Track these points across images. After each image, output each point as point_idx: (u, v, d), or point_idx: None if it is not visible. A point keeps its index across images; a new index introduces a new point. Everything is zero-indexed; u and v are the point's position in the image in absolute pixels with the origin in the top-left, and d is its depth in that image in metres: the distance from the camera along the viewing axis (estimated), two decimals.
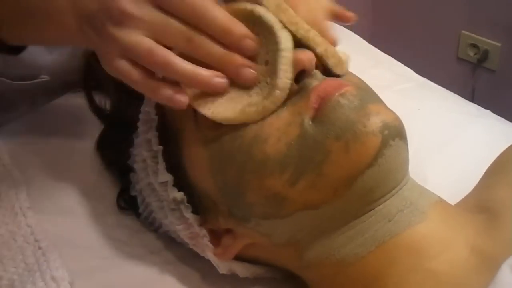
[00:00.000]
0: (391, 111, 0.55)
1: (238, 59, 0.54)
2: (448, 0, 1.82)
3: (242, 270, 0.64)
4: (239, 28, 0.54)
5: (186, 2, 0.52)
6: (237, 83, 0.55)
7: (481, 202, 0.61)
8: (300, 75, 0.55)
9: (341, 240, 0.56)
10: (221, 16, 0.53)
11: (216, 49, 0.53)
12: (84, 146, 0.80)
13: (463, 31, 1.82)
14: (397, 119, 0.54)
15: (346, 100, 0.53)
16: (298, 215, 0.55)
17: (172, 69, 0.53)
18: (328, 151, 0.52)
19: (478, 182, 0.66)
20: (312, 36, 0.57)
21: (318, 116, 0.53)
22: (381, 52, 1.03)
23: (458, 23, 1.83)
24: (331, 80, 0.56)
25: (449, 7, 1.82)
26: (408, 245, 0.54)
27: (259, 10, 0.56)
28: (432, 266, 0.53)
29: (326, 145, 0.52)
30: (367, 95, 0.55)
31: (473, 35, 1.81)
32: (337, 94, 0.53)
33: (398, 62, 1.04)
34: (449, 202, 0.62)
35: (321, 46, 0.57)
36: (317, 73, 0.56)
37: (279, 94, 0.54)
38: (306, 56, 0.55)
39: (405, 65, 1.05)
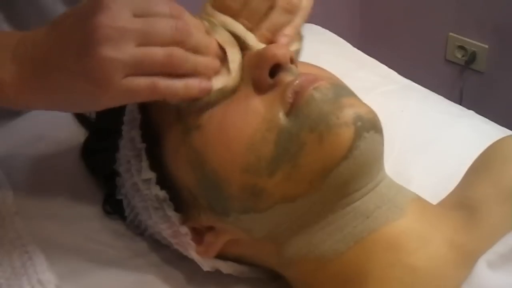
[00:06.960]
0: (365, 104, 0.56)
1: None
2: (435, 2, 1.82)
3: (225, 267, 0.64)
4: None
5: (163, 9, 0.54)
6: None
7: (462, 199, 0.62)
8: (275, 69, 0.56)
9: (320, 236, 0.57)
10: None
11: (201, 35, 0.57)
12: (71, 151, 0.81)
13: (450, 33, 1.83)
14: (371, 112, 0.55)
15: (319, 93, 0.54)
16: (276, 208, 0.55)
17: (193, 60, 0.55)
18: (303, 142, 0.53)
19: (461, 180, 0.67)
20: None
21: (293, 110, 0.54)
22: (365, 55, 1.03)
23: (445, 25, 1.83)
24: (306, 75, 0.56)
25: (436, 10, 1.83)
26: (386, 241, 0.55)
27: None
28: (410, 261, 0.54)
29: (301, 137, 0.53)
30: (341, 89, 0.56)
31: (460, 37, 1.81)
32: (311, 87, 0.54)
33: (382, 64, 1.04)
34: (433, 201, 0.63)
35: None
36: (293, 67, 0.58)
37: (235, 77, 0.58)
38: (281, 51, 0.56)
39: (393, 67, 1.06)
